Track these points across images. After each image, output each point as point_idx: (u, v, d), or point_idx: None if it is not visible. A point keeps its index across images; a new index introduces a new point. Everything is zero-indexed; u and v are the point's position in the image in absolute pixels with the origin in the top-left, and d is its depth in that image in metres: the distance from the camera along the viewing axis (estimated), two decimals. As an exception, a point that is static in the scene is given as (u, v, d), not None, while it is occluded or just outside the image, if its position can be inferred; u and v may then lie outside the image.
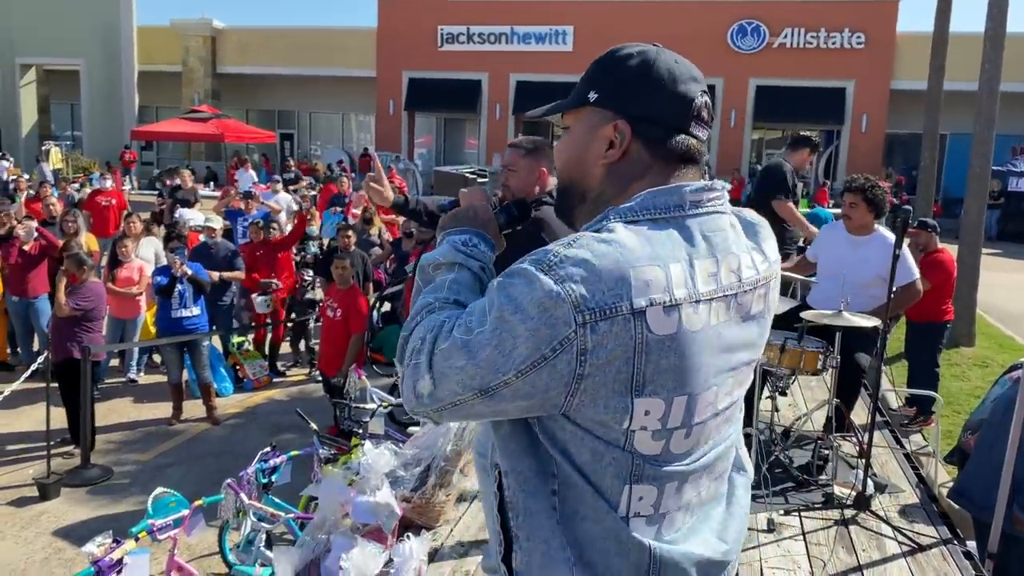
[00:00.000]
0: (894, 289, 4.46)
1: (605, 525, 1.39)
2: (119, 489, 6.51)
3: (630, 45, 1.53)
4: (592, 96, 1.51)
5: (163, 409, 8.13)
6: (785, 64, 27.02)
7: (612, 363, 1.30)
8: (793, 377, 4.88)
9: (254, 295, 9.26)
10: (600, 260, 1.30)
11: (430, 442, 4.14)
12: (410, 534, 3.00)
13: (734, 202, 1.55)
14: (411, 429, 6.18)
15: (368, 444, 3.72)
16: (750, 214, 1.58)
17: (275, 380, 9.32)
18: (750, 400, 4.79)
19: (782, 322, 5.20)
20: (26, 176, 19.38)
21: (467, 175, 5.54)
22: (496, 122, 30.20)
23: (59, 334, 6.93)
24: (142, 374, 9.24)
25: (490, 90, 30.02)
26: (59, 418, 6.93)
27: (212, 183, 26.71)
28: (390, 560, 3.19)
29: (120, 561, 4.02)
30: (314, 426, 5.55)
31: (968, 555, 3.94)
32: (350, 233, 9.30)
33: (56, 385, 6.91)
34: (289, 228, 11.88)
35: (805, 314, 4.66)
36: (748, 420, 4.82)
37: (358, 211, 12.83)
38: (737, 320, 1.44)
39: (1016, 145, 24.34)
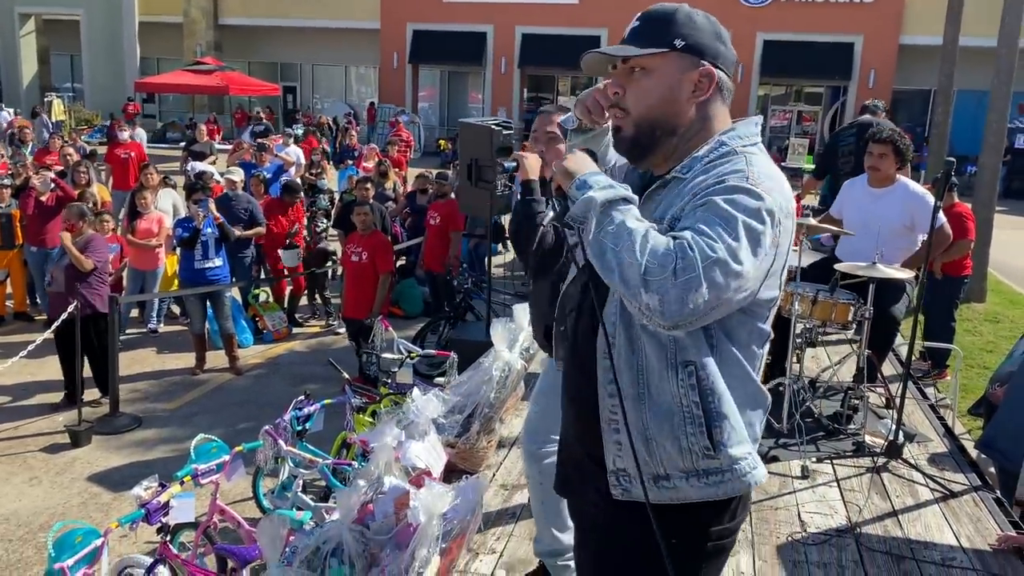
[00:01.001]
0: (923, 237, 4.50)
1: (748, 389, 1.77)
2: (148, 436, 6.60)
3: (681, 5, 1.79)
4: (679, 43, 1.73)
5: (185, 359, 8.21)
6: (793, 18, 26.65)
7: (783, 254, 1.66)
8: (823, 329, 4.92)
9: (281, 250, 9.31)
10: (774, 174, 1.67)
11: (472, 390, 4.20)
12: (467, 475, 3.08)
13: None
14: (437, 380, 6.28)
15: (416, 391, 3.79)
16: None
17: (294, 331, 9.39)
18: (783, 351, 4.85)
19: (816, 275, 5.24)
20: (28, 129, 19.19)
21: (493, 127, 5.49)
22: (501, 75, 29.87)
23: (77, 290, 6.84)
24: (162, 324, 9.31)
25: (495, 43, 29.62)
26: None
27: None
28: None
29: (167, 504, 4.11)
30: (346, 375, 5.64)
31: (999, 502, 4.03)
32: (368, 185, 9.30)
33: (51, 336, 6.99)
34: (300, 181, 11.87)
35: (840, 266, 4.69)
36: (781, 371, 4.89)
37: (369, 164, 12.80)
38: None
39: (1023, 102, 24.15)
